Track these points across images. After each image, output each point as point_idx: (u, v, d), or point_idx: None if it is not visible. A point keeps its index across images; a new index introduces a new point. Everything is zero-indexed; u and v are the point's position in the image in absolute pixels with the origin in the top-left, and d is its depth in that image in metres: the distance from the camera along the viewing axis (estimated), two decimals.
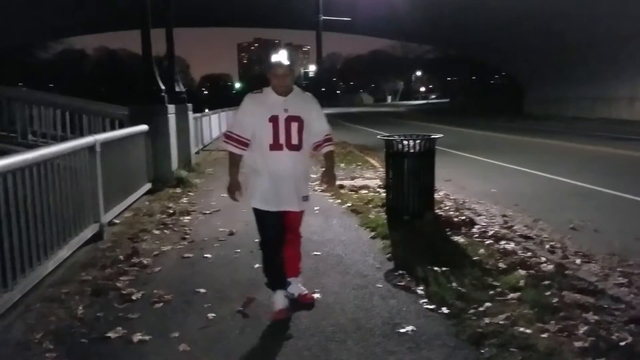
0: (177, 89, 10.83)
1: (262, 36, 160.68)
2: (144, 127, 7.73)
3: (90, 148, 5.27)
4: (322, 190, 7.46)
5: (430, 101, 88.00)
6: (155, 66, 8.78)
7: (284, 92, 3.27)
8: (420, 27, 37.12)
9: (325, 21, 16.14)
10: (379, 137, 6.41)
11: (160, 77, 8.98)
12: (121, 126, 8.52)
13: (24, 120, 9.47)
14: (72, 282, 4.01)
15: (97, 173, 5.38)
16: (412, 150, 5.63)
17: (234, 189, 3.38)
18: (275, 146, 3.22)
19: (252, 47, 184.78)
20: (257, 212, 3.34)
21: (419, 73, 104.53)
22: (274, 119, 3.21)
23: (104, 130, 8.95)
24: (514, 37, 32.52)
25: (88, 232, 5.06)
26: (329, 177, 3.53)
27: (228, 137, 3.34)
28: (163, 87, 8.86)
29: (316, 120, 3.40)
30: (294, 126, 3.24)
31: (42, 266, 3.96)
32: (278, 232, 3.33)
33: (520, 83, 42.31)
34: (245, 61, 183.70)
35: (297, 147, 3.26)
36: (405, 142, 5.64)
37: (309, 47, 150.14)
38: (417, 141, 5.64)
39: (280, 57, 3.21)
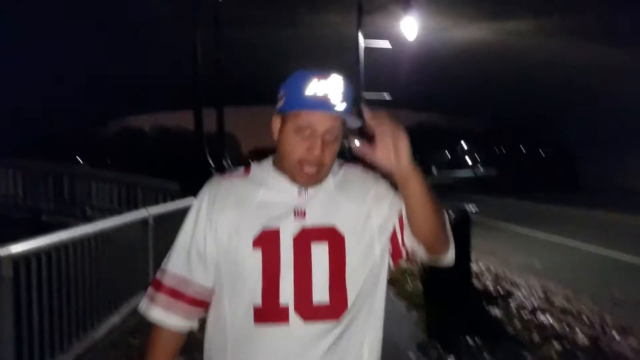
0: (224, 164, 11.46)
1: None
2: (193, 201, 8.20)
3: (144, 221, 5.68)
4: None
5: (477, 173, 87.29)
6: (205, 145, 9.44)
7: (314, 182, 1.32)
8: (461, 100, 37.72)
9: (367, 99, 16.84)
10: None
11: (210, 153, 9.63)
12: (172, 200, 9.05)
13: (84, 195, 10.16)
14: (121, 347, 4.28)
15: (148, 244, 5.76)
16: None
17: None
18: (269, 313, 1.27)
19: None
20: None
21: (465, 145, 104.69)
22: (267, 240, 1.28)
23: (157, 203, 9.51)
24: (564, 106, 32.46)
25: (138, 300, 5.36)
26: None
27: (156, 285, 1.37)
28: (212, 164, 9.45)
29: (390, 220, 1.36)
30: (319, 256, 1.29)
31: (95, 332, 4.26)
32: None
33: (572, 153, 41.71)
34: None
35: (330, 312, 1.28)
36: None
37: None
38: (450, 213, 5.79)
39: (332, 81, 1.26)
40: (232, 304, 1.31)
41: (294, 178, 1.31)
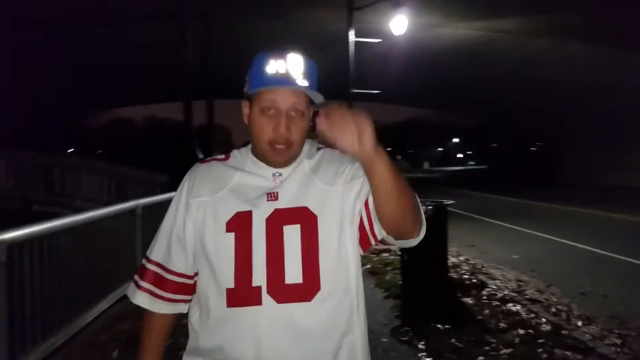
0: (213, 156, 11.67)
1: None
2: None
3: (132, 211, 5.88)
4: None
5: (468, 168, 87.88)
6: (195, 138, 9.63)
7: (285, 159, 1.36)
8: (449, 96, 38.04)
9: (357, 93, 17.03)
10: None
11: (201, 145, 9.83)
12: (161, 191, 9.25)
13: (74, 186, 10.32)
14: (109, 331, 4.49)
15: (136, 234, 5.97)
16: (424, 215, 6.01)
17: None
18: (242, 295, 1.29)
19: None
20: None
21: (456, 140, 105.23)
22: (239, 223, 1.32)
23: (146, 194, 9.70)
24: (551, 103, 32.83)
25: (126, 287, 5.57)
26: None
27: (141, 272, 1.44)
28: (201, 156, 9.63)
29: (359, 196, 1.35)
30: (291, 237, 1.31)
31: (84, 316, 4.47)
32: None
33: (556, 151, 42.22)
34: None
35: (303, 293, 1.29)
36: None
37: None
38: (429, 207, 6.03)
39: (291, 59, 1.29)
40: (207, 287, 1.33)
41: (266, 159, 1.35)
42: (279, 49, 1.31)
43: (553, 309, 5.26)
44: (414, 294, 5.50)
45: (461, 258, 8.00)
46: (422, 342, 4.08)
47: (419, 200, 1.33)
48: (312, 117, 1.34)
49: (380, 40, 18.41)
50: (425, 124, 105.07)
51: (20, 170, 10.53)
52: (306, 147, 1.41)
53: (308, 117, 1.34)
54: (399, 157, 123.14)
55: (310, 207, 1.32)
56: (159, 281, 1.39)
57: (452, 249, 8.20)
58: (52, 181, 10.53)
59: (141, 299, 1.41)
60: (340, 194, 1.35)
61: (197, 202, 1.36)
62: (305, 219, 1.31)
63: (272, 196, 1.32)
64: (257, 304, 1.26)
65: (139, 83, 32.26)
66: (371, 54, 19.96)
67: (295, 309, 1.27)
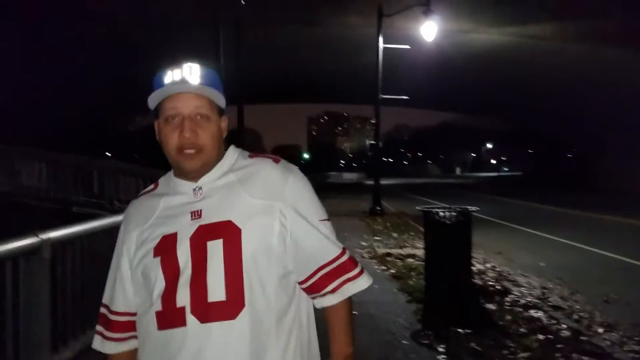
0: None
1: (331, 109, 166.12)
2: None
3: None
4: (371, 257, 7.98)
5: (502, 174, 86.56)
6: (227, 141, 9.90)
7: (198, 165, 1.34)
8: (480, 101, 37.74)
9: (386, 99, 17.18)
10: (417, 207, 6.96)
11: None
12: None
13: (112, 188, 10.72)
14: None
15: None
16: (448, 222, 6.12)
17: None
18: (168, 316, 1.28)
19: (322, 120, 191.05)
20: None
21: (489, 145, 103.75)
22: (166, 246, 1.31)
23: None
24: (583, 109, 32.27)
25: None
26: None
27: (98, 315, 1.49)
28: None
29: (300, 231, 1.35)
30: (214, 253, 1.27)
31: None
32: None
33: (592, 157, 41.36)
34: (314, 133, 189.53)
35: (227, 311, 1.25)
36: (441, 214, 6.14)
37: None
38: (453, 213, 6.13)
39: (187, 67, 1.32)
40: (143, 314, 1.34)
41: (181, 169, 1.34)
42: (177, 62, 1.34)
43: (575, 316, 5.30)
44: (437, 298, 5.61)
45: (487, 265, 8.03)
46: (442, 346, 4.20)
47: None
48: None
49: (409, 47, 18.54)
50: (457, 129, 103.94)
51: (60, 172, 10.99)
52: (233, 157, 1.40)
53: (217, 121, 1.35)
54: (429, 162, 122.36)
55: (234, 220, 1.28)
56: (106, 323, 1.42)
57: (479, 255, 8.28)
58: (91, 183, 10.96)
59: (95, 342, 1.45)
60: (266, 208, 1.31)
61: (129, 238, 1.38)
62: (229, 232, 1.27)
63: (196, 214, 1.30)
64: (182, 325, 1.24)
65: None
66: (401, 59, 20.06)
67: (219, 328, 1.23)
